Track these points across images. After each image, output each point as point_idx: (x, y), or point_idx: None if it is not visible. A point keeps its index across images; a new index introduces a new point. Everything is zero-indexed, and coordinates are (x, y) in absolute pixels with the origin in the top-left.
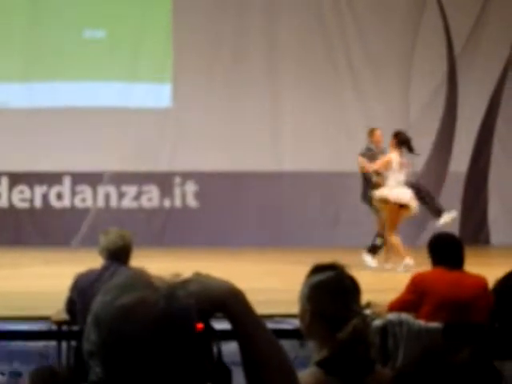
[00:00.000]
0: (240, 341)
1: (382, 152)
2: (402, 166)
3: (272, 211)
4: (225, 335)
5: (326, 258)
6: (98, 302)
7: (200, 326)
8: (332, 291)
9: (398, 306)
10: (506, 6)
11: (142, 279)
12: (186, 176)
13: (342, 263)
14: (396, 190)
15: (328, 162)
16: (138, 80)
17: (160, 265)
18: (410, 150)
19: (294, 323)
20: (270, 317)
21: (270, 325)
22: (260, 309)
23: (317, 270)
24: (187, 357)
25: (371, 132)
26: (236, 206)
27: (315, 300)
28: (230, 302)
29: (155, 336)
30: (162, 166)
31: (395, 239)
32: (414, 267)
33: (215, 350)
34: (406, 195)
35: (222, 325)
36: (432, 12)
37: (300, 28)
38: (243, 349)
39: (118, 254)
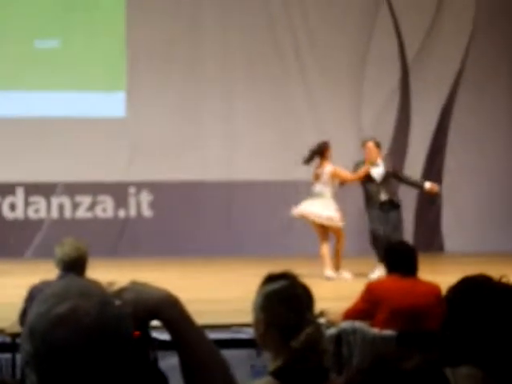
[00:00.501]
0: (177, 347)
1: (373, 164)
2: (317, 177)
3: (226, 220)
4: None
5: (279, 266)
6: (32, 313)
7: (136, 333)
8: (285, 300)
9: (353, 314)
10: (458, 14)
11: (76, 288)
12: (141, 186)
13: (294, 272)
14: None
15: (280, 171)
16: (91, 89)
17: (115, 275)
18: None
19: (251, 332)
20: (227, 326)
21: (227, 335)
22: (216, 318)
23: (269, 279)
24: (121, 364)
25: (363, 144)
26: (191, 215)
27: (269, 309)
28: (165, 309)
29: (87, 344)
30: (116, 175)
31: (322, 249)
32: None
33: (152, 357)
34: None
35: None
36: (384, 19)
37: (251, 39)
38: (181, 354)
39: (74, 266)
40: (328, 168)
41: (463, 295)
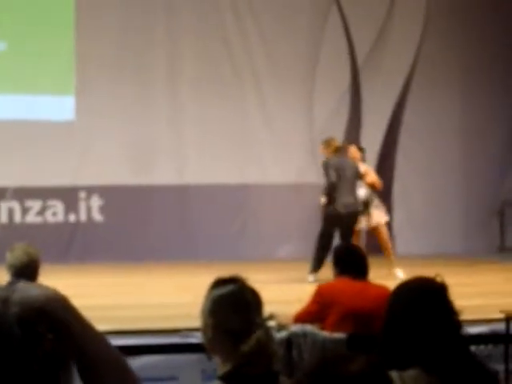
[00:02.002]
0: (68, 346)
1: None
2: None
3: (178, 224)
4: None
5: (231, 271)
6: None
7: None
8: (234, 304)
9: (304, 317)
10: (408, 15)
11: None
12: (91, 190)
13: (243, 276)
14: None
15: (232, 174)
16: (40, 93)
17: (66, 281)
18: None
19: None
20: (177, 331)
21: (177, 339)
22: (168, 323)
23: (218, 283)
24: (4, 365)
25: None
26: (142, 219)
27: (217, 314)
28: (50, 308)
29: None
30: (66, 180)
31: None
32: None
33: (44, 357)
34: None
35: None
36: (335, 23)
37: (201, 42)
38: (74, 355)
39: (24, 271)
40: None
41: (399, 299)
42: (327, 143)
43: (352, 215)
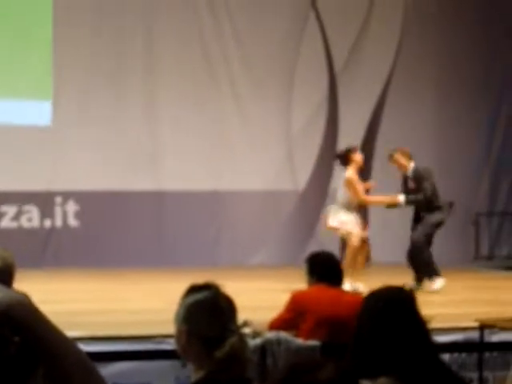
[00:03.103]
0: (34, 349)
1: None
2: None
3: (153, 231)
4: None
5: (207, 277)
6: None
7: None
8: (208, 311)
9: (278, 324)
10: (385, 24)
11: None
12: (67, 195)
13: (217, 283)
14: None
15: (208, 181)
16: (17, 98)
17: (40, 286)
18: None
19: None
20: (151, 337)
21: (151, 346)
22: (140, 329)
23: (192, 290)
24: None
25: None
26: (117, 225)
27: (191, 320)
28: (15, 312)
29: None
30: (42, 185)
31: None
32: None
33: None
34: None
35: None
36: (313, 29)
37: (178, 46)
38: (41, 357)
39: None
40: (347, 173)
41: (367, 308)
42: (403, 151)
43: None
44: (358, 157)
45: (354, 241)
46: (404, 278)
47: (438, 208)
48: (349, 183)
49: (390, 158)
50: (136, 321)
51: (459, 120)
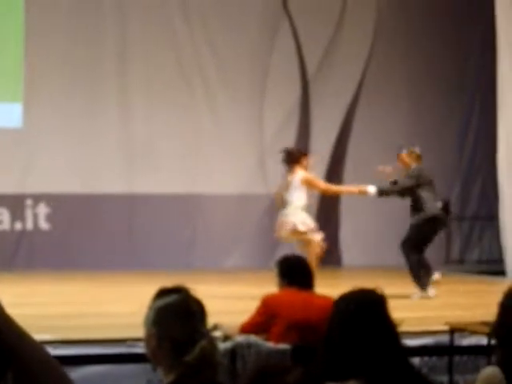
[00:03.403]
0: (2, 353)
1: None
2: (288, 185)
3: (126, 234)
4: None
5: (179, 281)
6: None
7: None
8: (178, 314)
9: (249, 327)
10: (358, 29)
11: None
12: (38, 198)
13: (187, 286)
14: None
15: (181, 184)
16: None
17: (12, 289)
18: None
19: None
20: (123, 341)
21: (123, 349)
22: (112, 332)
23: (162, 293)
24: None
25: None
26: (89, 228)
27: (161, 324)
28: None
29: None
30: (12, 187)
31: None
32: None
33: None
34: None
35: None
36: (285, 34)
37: (153, 53)
38: (9, 361)
39: None
40: (299, 174)
41: (338, 310)
42: (412, 152)
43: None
44: (305, 163)
45: (317, 246)
46: (376, 282)
47: (420, 210)
48: (307, 181)
49: (398, 156)
50: (107, 324)
51: (431, 122)
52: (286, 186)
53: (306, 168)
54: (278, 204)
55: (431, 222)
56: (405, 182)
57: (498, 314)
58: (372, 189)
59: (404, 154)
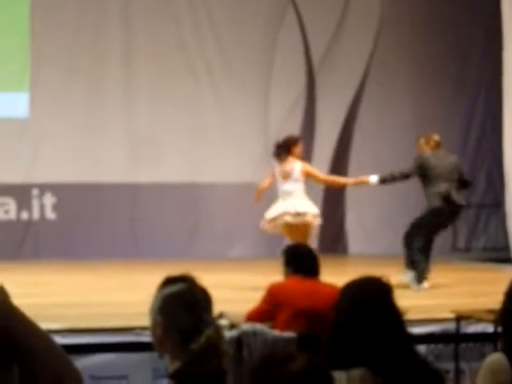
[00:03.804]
0: (10, 347)
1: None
2: (285, 175)
3: (130, 222)
4: None
5: (183, 270)
6: None
7: None
8: (184, 303)
9: (255, 316)
10: (363, 21)
11: None
12: (44, 188)
13: (193, 275)
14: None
15: (185, 173)
16: None
17: (18, 278)
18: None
19: None
20: (131, 329)
21: (129, 337)
22: (119, 321)
23: (168, 281)
24: None
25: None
26: (95, 218)
27: (167, 312)
28: None
29: None
30: (19, 177)
31: None
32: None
33: None
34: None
35: None
36: (291, 24)
37: (158, 43)
38: (16, 354)
39: None
40: (298, 166)
41: (344, 298)
42: (428, 137)
43: None
44: (298, 149)
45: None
46: (382, 270)
47: (431, 196)
48: (307, 173)
49: (416, 141)
50: (113, 312)
51: (436, 113)
52: (283, 176)
53: (298, 156)
54: (257, 196)
55: (434, 214)
56: (407, 168)
57: (504, 301)
58: (374, 178)
59: (422, 140)
